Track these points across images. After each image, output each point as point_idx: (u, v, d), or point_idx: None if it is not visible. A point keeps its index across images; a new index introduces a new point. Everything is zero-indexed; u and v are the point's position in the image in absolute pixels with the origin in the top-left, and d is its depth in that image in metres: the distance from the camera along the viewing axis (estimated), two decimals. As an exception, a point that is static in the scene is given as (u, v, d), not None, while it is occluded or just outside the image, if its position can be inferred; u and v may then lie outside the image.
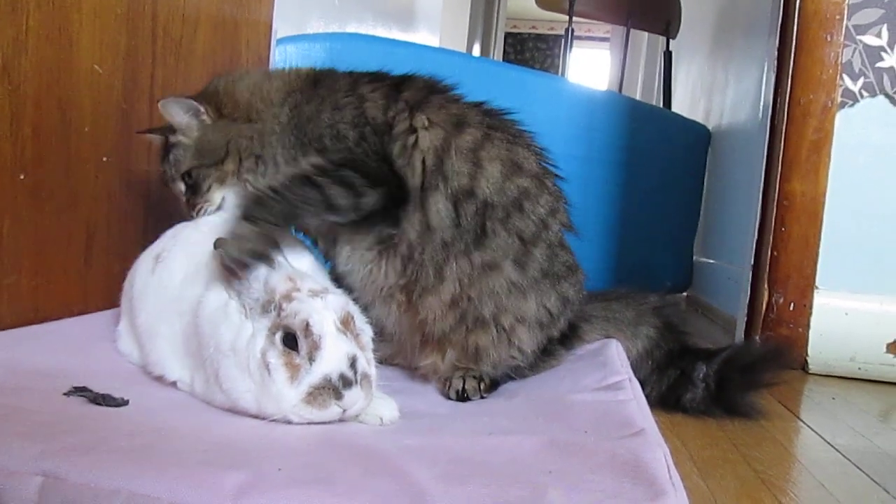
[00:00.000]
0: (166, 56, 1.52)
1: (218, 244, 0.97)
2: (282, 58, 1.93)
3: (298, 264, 1.04)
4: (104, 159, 1.37)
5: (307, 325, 0.90)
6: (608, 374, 1.26)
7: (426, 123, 1.19)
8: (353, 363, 0.91)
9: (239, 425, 0.92)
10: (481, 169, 1.18)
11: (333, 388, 0.89)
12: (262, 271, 0.97)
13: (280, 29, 1.95)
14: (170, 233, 1.18)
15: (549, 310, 1.23)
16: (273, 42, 1.93)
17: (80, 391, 0.97)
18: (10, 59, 1.15)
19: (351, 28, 2.78)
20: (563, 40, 4.09)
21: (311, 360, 0.90)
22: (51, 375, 1.03)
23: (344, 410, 0.91)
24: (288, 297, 0.93)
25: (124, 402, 0.97)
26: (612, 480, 0.80)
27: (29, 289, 1.23)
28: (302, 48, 1.95)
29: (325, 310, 0.92)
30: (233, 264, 0.97)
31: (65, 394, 0.96)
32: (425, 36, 4.15)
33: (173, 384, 1.06)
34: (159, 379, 1.07)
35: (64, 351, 1.14)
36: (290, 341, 0.91)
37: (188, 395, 1.04)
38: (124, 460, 0.74)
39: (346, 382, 0.90)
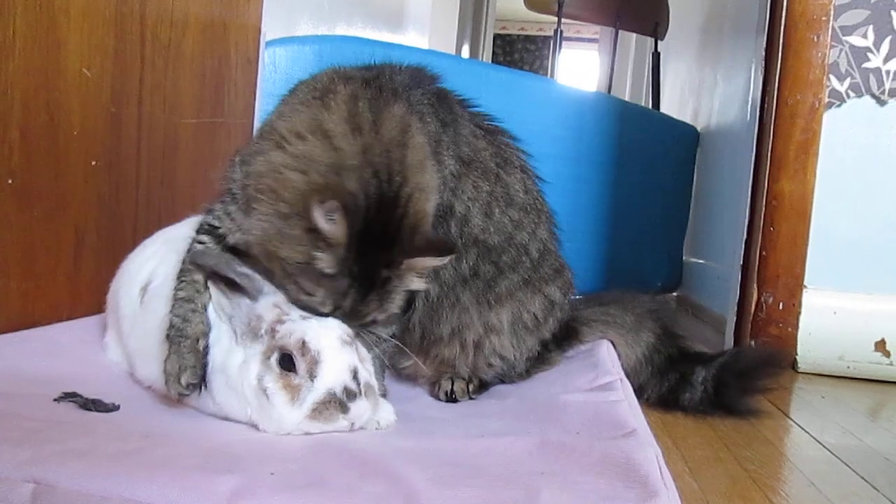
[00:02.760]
0: (155, 59, 1.51)
1: (196, 260, 0.97)
2: (270, 60, 1.93)
3: None
4: (93, 163, 1.36)
5: (303, 342, 0.89)
6: (599, 374, 1.26)
7: (462, 195, 1.13)
8: (355, 374, 0.90)
9: (231, 429, 0.92)
10: (491, 218, 1.16)
11: (339, 402, 0.88)
12: (246, 300, 0.95)
13: (269, 31, 1.95)
14: (150, 252, 1.14)
15: (535, 314, 1.23)
16: (262, 44, 1.92)
17: (70, 397, 0.97)
18: (-3, 63, 1.14)
19: (340, 30, 2.78)
20: (551, 41, 4.10)
21: (311, 376, 0.88)
22: (41, 381, 1.02)
23: (352, 424, 0.90)
24: (279, 321, 0.91)
25: (115, 408, 0.97)
26: (605, 481, 0.81)
27: (18, 293, 1.22)
28: (291, 51, 1.95)
29: (320, 326, 0.91)
30: (217, 278, 0.96)
31: (55, 399, 0.96)
32: (415, 37, 4.16)
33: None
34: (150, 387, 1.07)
35: (53, 356, 1.14)
36: (287, 362, 0.89)
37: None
38: (116, 466, 0.74)
39: (351, 395, 0.88)
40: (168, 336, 0.96)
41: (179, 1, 1.57)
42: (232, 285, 0.95)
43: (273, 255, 0.92)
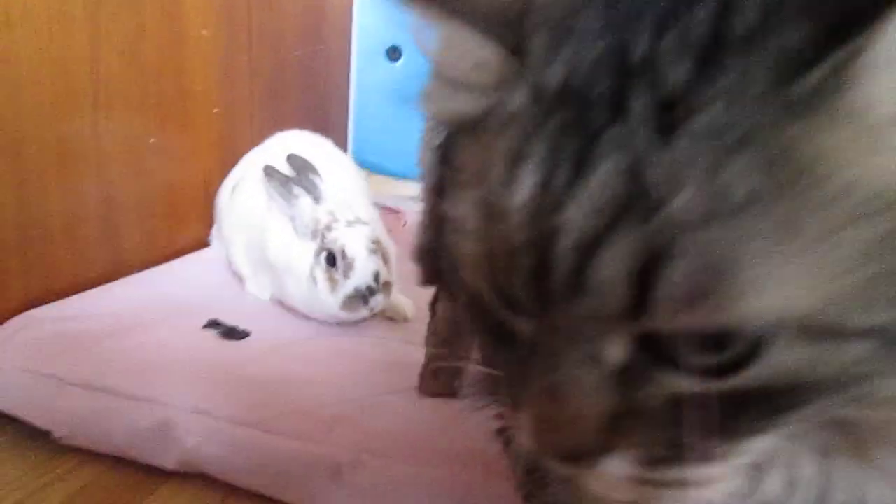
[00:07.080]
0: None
1: (267, 171, 1.23)
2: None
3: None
4: (214, 111, 1.54)
5: (343, 250, 1.17)
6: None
7: None
8: (377, 277, 1.18)
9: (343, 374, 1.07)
10: None
11: (363, 297, 1.17)
12: (307, 203, 1.21)
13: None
14: (245, 159, 1.42)
15: None
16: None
17: (213, 325, 1.16)
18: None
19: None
20: None
21: (346, 276, 1.16)
22: (184, 311, 1.19)
23: (371, 310, 1.19)
24: (329, 227, 1.19)
25: (247, 334, 1.15)
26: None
27: (163, 229, 1.45)
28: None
29: (357, 237, 1.18)
30: (280, 185, 1.22)
31: (203, 327, 1.15)
32: None
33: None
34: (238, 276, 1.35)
35: (188, 287, 1.32)
36: (332, 260, 1.18)
37: (307, 333, 1.21)
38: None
39: (372, 291, 1.17)
40: None
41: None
42: (304, 188, 1.22)
43: None
